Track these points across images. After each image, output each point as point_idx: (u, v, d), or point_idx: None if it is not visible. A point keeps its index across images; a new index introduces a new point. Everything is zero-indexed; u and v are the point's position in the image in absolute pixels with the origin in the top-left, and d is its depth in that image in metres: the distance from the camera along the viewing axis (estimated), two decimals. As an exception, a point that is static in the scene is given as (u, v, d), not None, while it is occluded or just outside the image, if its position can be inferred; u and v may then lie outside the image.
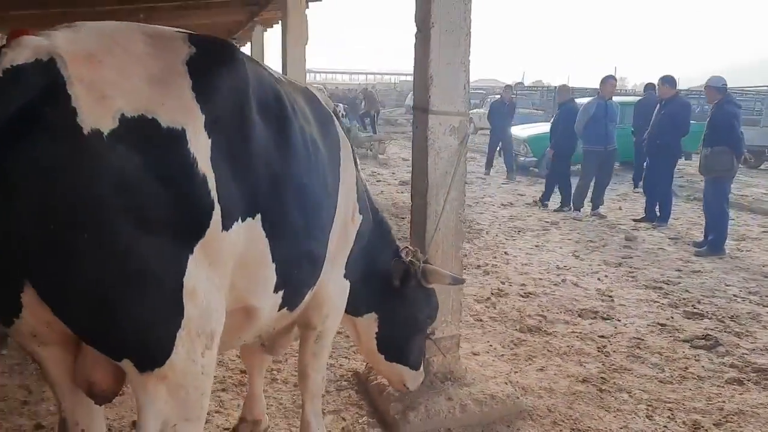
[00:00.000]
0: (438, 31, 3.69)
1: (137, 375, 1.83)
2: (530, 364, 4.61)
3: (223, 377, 4.31)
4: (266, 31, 13.88)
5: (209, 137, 1.82)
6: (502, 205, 11.11)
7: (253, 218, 2.03)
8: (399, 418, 3.74)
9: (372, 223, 3.27)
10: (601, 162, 9.92)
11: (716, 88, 7.85)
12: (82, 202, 1.57)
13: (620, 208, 10.91)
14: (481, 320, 5.42)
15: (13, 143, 1.52)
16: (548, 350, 4.83)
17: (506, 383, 4.15)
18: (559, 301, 5.93)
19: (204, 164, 1.79)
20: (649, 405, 4.04)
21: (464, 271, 6.69)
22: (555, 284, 6.47)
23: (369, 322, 3.41)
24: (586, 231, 9.14)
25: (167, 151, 1.72)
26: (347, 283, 3.07)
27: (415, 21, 3.83)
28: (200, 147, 1.78)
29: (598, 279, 6.72)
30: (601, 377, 4.39)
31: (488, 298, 5.96)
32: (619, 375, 4.44)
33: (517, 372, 4.45)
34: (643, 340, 5.04)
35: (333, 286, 2.93)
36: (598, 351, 4.83)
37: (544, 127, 14.87)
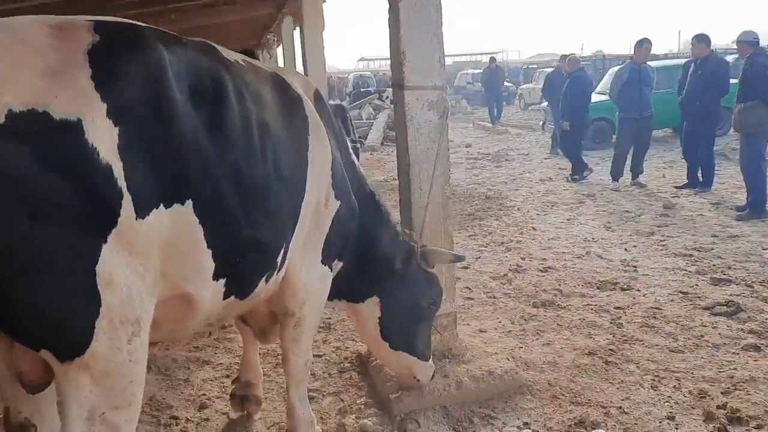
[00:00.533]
0: (407, 5, 3.63)
1: (58, 365, 1.84)
2: (537, 338, 4.52)
3: (230, 364, 4.40)
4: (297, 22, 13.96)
5: (115, 125, 1.80)
6: (541, 180, 10.87)
7: (182, 204, 2.02)
8: (393, 398, 3.74)
9: (363, 207, 3.26)
10: (638, 129, 9.56)
11: (748, 42, 7.45)
12: None
13: (664, 176, 10.49)
14: (494, 297, 5.35)
15: None
16: (558, 324, 4.72)
17: (507, 359, 4.08)
18: (578, 274, 5.77)
19: (108, 153, 1.78)
20: (655, 375, 3.90)
21: (485, 248, 6.68)
22: (578, 257, 6.30)
23: (371, 307, 3.42)
24: (622, 201, 8.85)
25: (61, 142, 1.71)
26: (326, 269, 3.06)
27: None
28: (102, 136, 1.77)
29: (625, 250, 6.51)
30: (609, 349, 4.26)
31: (505, 275, 5.86)
32: (629, 346, 4.30)
33: (522, 347, 4.38)
34: (660, 309, 4.86)
35: (307, 272, 2.92)
36: (611, 323, 4.69)
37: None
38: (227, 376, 4.23)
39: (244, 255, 2.36)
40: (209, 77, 2.20)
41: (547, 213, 8.39)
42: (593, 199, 9.08)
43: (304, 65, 8.81)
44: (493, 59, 24.03)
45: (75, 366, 1.83)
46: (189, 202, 2.04)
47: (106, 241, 1.79)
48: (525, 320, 4.85)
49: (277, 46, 15.94)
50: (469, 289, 5.55)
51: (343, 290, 3.40)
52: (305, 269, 2.91)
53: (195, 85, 2.12)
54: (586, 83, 11.33)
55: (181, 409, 3.84)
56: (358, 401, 3.86)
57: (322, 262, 3.01)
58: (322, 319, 5.05)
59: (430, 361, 3.62)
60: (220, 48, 2.48)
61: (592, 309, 4.96)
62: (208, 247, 2.14)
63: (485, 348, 4.24)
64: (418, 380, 3.60)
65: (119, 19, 2.09)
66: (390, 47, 3.82)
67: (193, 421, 3.71)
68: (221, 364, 4.43)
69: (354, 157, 3.44)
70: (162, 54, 2.00)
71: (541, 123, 16.12)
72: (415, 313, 3.47)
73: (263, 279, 2.54)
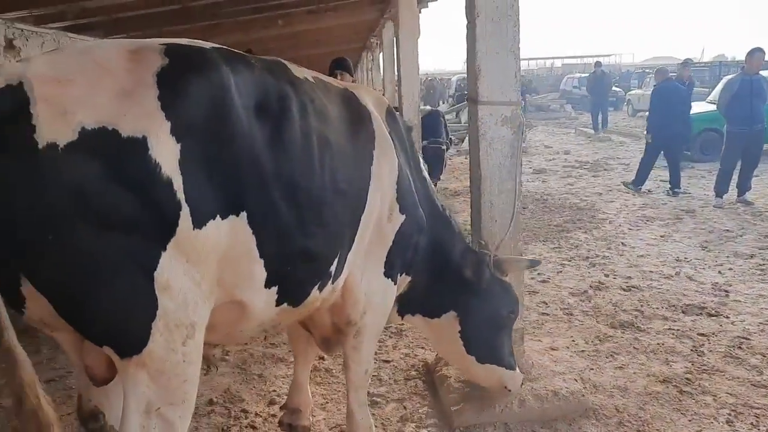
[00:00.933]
0: (483, 21, 3.64)
1: (119, 360, 2.00)
2: (610, 361, 4.39)
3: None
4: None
5: (177, 142, 1.93)
6: (640, 193, 10.44)
7: (237, 215, 2.12)
8: (454, 410, 3.77)
9: (433, 223, 3.30)
10: (747, 144, 9.00)
11: None
12: (39, 208, 1.75)
13: (775, 194, 9.83)
14: (571, 314, 5.23)
15: None
16: (634, 347, 4.57)
17: (575, 380, 3.99)
18: (663, 296, 5.53)
19: (169, 168, 1.91)
20: (733, 410, 3.70)
21: (568, 262, 6.54)
22: (666, 277, 6.03)
23: (449, 322, 3.42)
24: (724, 220, 8.37)
25: (128, 157, 1.85)
26: (388, 282, 3.11)
27: (465, 12, 3.80)
28: (165, 152, 1.90)
29: (719, 272, 6.17)
30: (686, 378, 4.08)
31: (585, 292, 5.71)
32: (708, 376, 4.10)
33: (592, 369, 4.27)
34: (748, 339, 4.59)
35: (368, 283, 2.99)
36: (692, 350, 4.48)
37: (700, 107, 13.71)
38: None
39: (295, 264, 2.44)
40: (272, 95, 2.31)
41: (641, 228, 8.07)
42: (692, 216, 8.64)
43: (398, 70, 8.92)
44: (598, 63, 22.97)
45: (133, 363, 1.98)
46: (243, 214, 2.14)
47: (165, 249, 1.92)
48: (600, 341, 4.72)
49: (380, 52, 16.18)
50: (546, 304, 5.46)
51: (418, 305, 3.45)
52: (366, 280, 2.98)
53: (257, 103, 2.23)
54: (678, 94, 10.83)
55: (252, 404, 4.03)
56: (420, 410, 3.91)
57: (385, 274, 3.06)
58: (394, 325, 5.16)
59: (517, 369, 3.58)
60: (291, 66, 2.61)
61: (673, 334, 4.76)
62: (261, 256, 2.24)
63: (553, 367, 4.17)
64: (509, 390, 3.59)
65: (190, 43, 2.25)
66: (467, 62, 3.85)
67: (261, 416, 3.89)
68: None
69: (426, 173, 3.46)
70: (226, 75, 2.13)
71: (646, 131, 15.45)
72: (496, 324, 3.45)
73: (316, 288, 2.61)
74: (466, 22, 3.80)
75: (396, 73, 9.16)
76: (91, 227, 1.81)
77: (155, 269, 1.91)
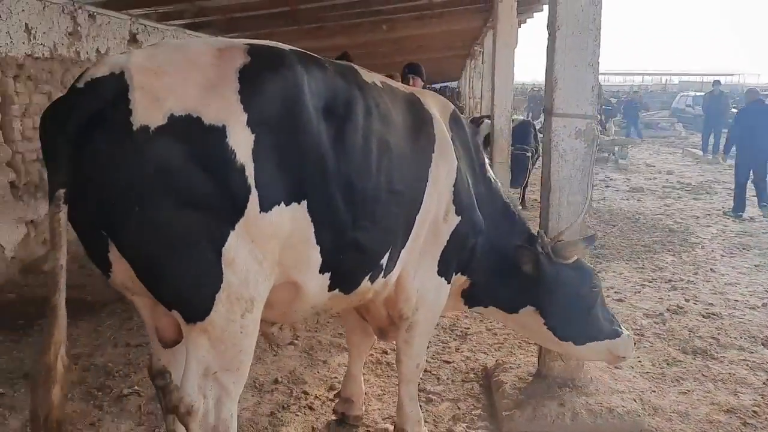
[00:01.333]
0: (564, 34, 3.70)
1: (185, 325, 2.23)
2: (675, 386, 4.29)
3: (366, 354, 4.75)
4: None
5: (252, 133, 2.15)
6: (741, 219, 9.93)
7: (299, 204, 2.32)
8: (505, 415, 3.83)
9: (495, 222, 3.37)
10: None
11: None
12: (130, 182, 1.99)
13: None
14: (642, 335, 5.12)
15: (89, 138, 1.99)
16: (703, 375, 4.44)
17: (634, 400, 3.94)
18: (744, 326, 5.31)
19: (244, 155, 2.12)
20: (798, 449, 3.56)
21: (649, 283, 6.41)
22: (750, 308, 5.77)
23: (531, 316, 3.46)
24: (833, 253, 7.85)
25: (209, 143, 2.07)
26: (442, 281, 3.22)
27: (546, 24, 3.86)
28: (240, 141, 2.11)
29: (813, 308, 5.83)
30: (753, 411, 3.94)
31: (660, 314, 5.56)
32: (777, 412, 3.94)
33: (654, 392, 4.20)
34: (830, 378, 4.35)
35: (422, 280, 3.12)
36: (764, 383, 4.30)
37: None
38: (360, 364, 4.58)
39: (348, 254, 2.60)
40: (340, 98, 2.50)
41: (734, 256, 7.70)
42: (796, 247, 8.15)
43: (492, 79, 8.97)
44: (717, 82, 21.58)
45: (197, 329, 2.21)
46: (304, 203, 2.34)
47: (234, 229, 2.14)
48: (668, 365, 4.61)
49: (482, 60, 16.21)
50: (617, 323, 5.37)
51: (489, 300, 3.54)
52: (420, 277, 3.11)
53: (326, 103, 2.42)
54: (765, 115, 10.78)
55: (313, 387, 4.26)
56: (473, 412, 3.99)
57: (439, 273, 3.17)
58: (460, 328, 5.25)
59: (623, 331, 3.54)
60: (361, 71, 2.81)
61: (747, 365, 4.58)
62: (317, 243, 2.43)
63: (613, 384, 4.13)
64: (623, 357, 3.59)
65: (271, 44, 2.47)
66: (545, 73, 3.89)
67: (320, 399, 4.11)
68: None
69: (491, 174, 3.51)
70: (300, 75, 2.34)
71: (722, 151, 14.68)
72: (580, 305, 3.42)
73: (367, 278, 2.79)
74: (547, 33, 3.86)
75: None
76: (172, 203, 2.03)
77: (224, 245, 2.12)
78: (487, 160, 3.57)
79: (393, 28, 12.79)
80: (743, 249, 8.02)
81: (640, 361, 4.65)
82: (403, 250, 2.92)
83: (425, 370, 4.50)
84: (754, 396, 4.14)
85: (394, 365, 4.53)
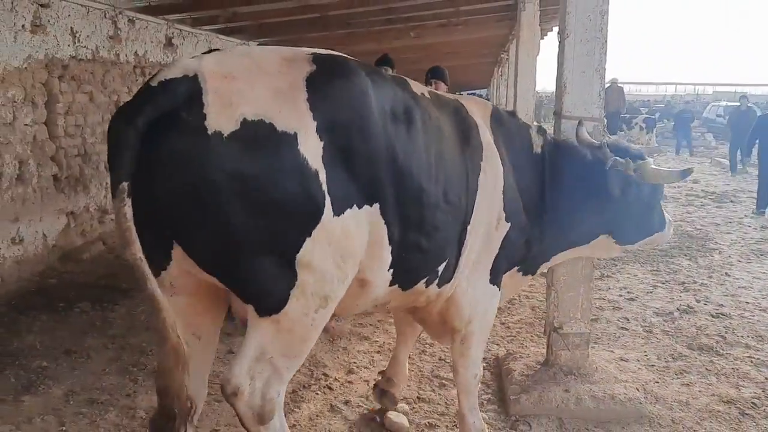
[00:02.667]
0: (572, 42, 3.93)
1: (256, 318, 2.26)
2: (678, 378, 4.48)
3: (384, 342, 5.02)
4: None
5: (321, 140, 2.18)
6: (762, 227, 9.99)
7: (371, 206, 2.36)
8: (512, 399, 4.05)
9: (555, 185, 3.33)
10: None
11: None
12: (204, 185, 2.01)
13: None
14: (650, 332, 5.30)
15: (161, 138, 2.00)
16: (707, 369, 4.61)
17: (637, 389, 4.13)
18: (753, 326, 5.45)
19: (315, 162, 2.14)
20: (793, 438, 3.73)
21: (662, 285, 6.58)
22: (761, 309, 5.89)
23: (602, 242, 3.58)
24: None
25: (280, 149, 2.08)
26: (494, 289, 3.24)
27: (558, 32, 4.11)
28: (311, 147, 2.14)
29: (822, 311, 5.94)
30: (752, 402, 4.11)
31: (670, 313, 5.73)
32: (776, 404, 4.10)
33: (658, 382, 4.38)
34: (831, 376, 4.50)
35: (474, 291, 3.12)
36: (767, 378, 4.46)
37: None
38: (378, 352, 4.86)
39: (411, 254, 2.64)
40: (401, 105, 2.55)
41: (752, 261, 7.80)
42: (817, 254, 8.21)
43: (515, 87, 9.19)
44: (744, 97, 20.19)
45: (269, 320, 2.26)
46: (376, 205, 2.38)
47: (310, 234, 2.17)
48: (673, 359, 4.79)
49: (509, 68, 16.41)
50: (627, 320, 5.56)
51: (565, 245, 3.55)
52: (472, 289, 3.11)
53: (391, 111, 2.47)
54: None
55: (333, 370, 4.54)
56: (483, 396, 4.21)
57: (490, 281, 3.19)
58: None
59: (666, 217, 3.77)
60: (411, 81, 2.86)
61: (751, 361, 4.74)
62: (389, 243, 2.49)
63: (618, 375, 4.33)
64: (666, 240, 3.95)
65: (334, 53, 2.52)
66: (556, 78, 4.13)
67: (339, 381, 4.38)
68: (377, 341, 5.07)
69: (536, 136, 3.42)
70: (365, 83, 2.39)
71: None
72: (648, 215, 3.62)
73: (424, 281, 2.82)
74: (558, 41, 4.11)
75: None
76: (245, 208, 2.05)
77: (299, 251, 2.17)
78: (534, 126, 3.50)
79: (420, 35, 13.07)
80: (761, 255, 8.10)
81: (646, 355, 4.84)
82: (459, 262, 2.96)
83: (439, 358, 4.76)
84: (755, 389, 4.30)
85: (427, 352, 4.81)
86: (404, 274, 2.70)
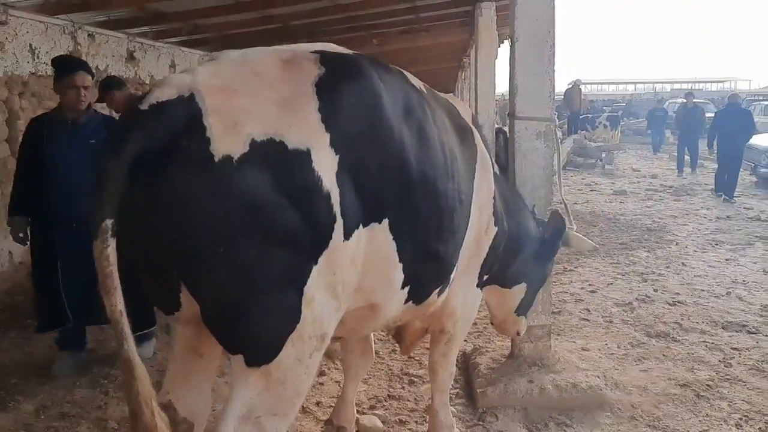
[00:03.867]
0: (522, 45, 4.09)
1: (244, 368, 1.92)
2: (637, 364, 4.66)
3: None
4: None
5: (336, 153, 1.93)
6: (717, 218, 10.35)
7: (379, 223, 2.11)
8: (479, 392, 4.19)
9: (512, 207, 3.43)
10: None
11: None
12: (214, 220, 1.73)
13: None
14: (610, 322, 5.50)
15: (159, 171, 1.72)
16: (664, 355, 4.81)
17: (597, 377, 4.30)
18: (707, 312, 5.69)
19: (329, 181, 1.89)
20: (744, 415, 3.92)
21: (622, 276, 6.78)
22: (715, 296, 6.16)
23: (519, 290, 3.66)
24: (800, 248, 8.24)
25: (294, 170, 1.82)
26: (479, 291, 3.26)
27: (509, 36, 4.27)
28: (325, 164, 1.89)
29: (774, 295, 6.22)
30: (707, 384, 4.31)
31: (629, 303, 5.95)
32: (729, 385, 4.31)
33: (617, 369, 4.56)
34: (780, 356, 4.73)
35: (465, 294, 3.11)
36: (720, 361, 4.68)
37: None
38: (349, 353, 4.93)
39: (425, 265, 2.42)
40: (410, 102, 2.32)
41: (707, 251, 8.10)
42: (766, 242, 8.53)
43: (475, 89, 9.38)
44: (690, 94, 18.54)
45: (259, 372, 1.93)
46: (385, 221, 2.13)
47: (317, 263, 1.89)
48: (632, 346, 4.98)
49: (470, 72, 16.65)
50: (589, 311, 5.75)
51: (497, 278, 3.52)
52: (462, 291, 3.07)
53: (402, 110, 2.24)
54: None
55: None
56: (451, 391, 4.27)
57: (477, 285, 3.20)
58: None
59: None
60: (408, 74, 2.58)
61: (706, 346, 4.96)
62: (400, 260, 2.24)
63: (579, 364, 4.49)
64: (520, 334, 3.98)
65: (339, 50, 2.25)
66: (508, 80, 4.29)
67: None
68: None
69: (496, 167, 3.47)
70: (378, 85, 2.14)
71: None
72: (541, 284, 3.86)
73: (437, 291, 2.67)
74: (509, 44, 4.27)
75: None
76: (259, 240, 1.79)
77: (306, 284, 1.89)
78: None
79: (384, 42, 13.23)
80: (716, 245, 8.42)
81: (606, 344, 5.03)
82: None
83: (409, 357, 4.87)
84: (709, 372, 4.50)
85: (380, 353, 4.90)
86: (419, 288, 2.51)
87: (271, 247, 1.80)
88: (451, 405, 4.08)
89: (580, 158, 18.13)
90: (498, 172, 3.39)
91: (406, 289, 2.38)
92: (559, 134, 19.55)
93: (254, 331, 1.88)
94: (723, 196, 11.98)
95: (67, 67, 4.53)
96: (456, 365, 4.62)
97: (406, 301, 2.48)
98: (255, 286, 1.81)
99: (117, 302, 1.66)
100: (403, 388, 4.42)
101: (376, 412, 4.07)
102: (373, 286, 2.22)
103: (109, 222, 1.64)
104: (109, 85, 5.74)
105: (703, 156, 16.71)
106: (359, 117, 2.04)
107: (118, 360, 1.74)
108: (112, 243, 1.65)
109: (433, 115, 2.47)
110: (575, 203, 11.75)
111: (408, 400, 4.25)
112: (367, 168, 2.04)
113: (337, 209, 1.91)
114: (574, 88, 24.10)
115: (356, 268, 2.07)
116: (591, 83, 67.77)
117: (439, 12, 11.19)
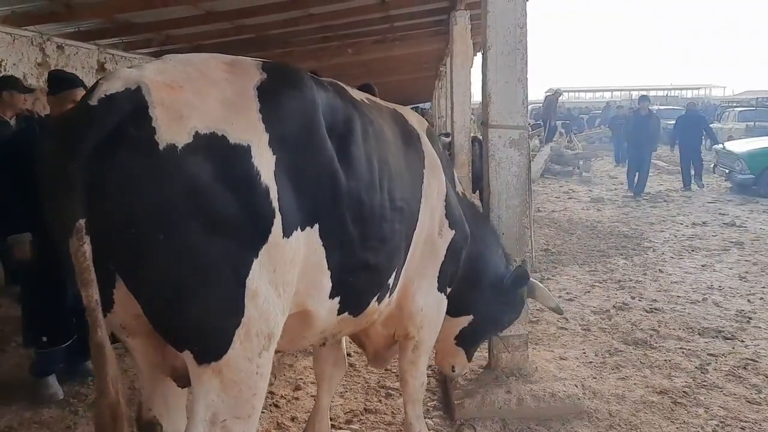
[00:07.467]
0: (494, 54, 4.07)
1: (195, 367, 1.98)
2: (614, 372, 4.64)
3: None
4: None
5: (273, 153, 2.03)
6: (693, 224, 10.43)
7: (312, 227, 2.20)
8: (457, 404, 4.13)
9: (474, 235, 3.43)
10: None
11: None
12: (158, 206, 1.79)
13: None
14: (588, 330, 5.49)
15: (106, 158, 1.77)
16: (641, 362, 4.80)
17: (575, 386, 4.27)
18: (683, 319, 5.70)
19: (267, 177, 1.99)
20: (721, 422, 3.91)
21: (599, 284, 6.78)
22: (691, 302, 6.17)
23: (460, 321, 3.66)
24: (774, 253, 8.32)
25: (234, 163, 1.92)
26: (441, 296, 3.25)
27: (481, 45, 4.25)
28: (264, 161, 1.99)
29: (748, 300, 6.24)
30: (683, 391, 4.30)
31: (607, 311, 5.94)
32: (706, 391, 4.30)
33: (595, 378, 4.53)
34: (756, 361, 4.73)
35: (423, 298, 3.13)
36: (696, 368, 4.67)
37: (764, 142, 13.61)
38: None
39: (358, 276, 2.50)
40: (344, 114, 2.44)
41: (683, 257, 8.14)
42: (741, 248, 8.60)
43: (451, 98, 9.38)
44: (644, 98, 15.21)
45: (210, 369, 1.98)
46: (316, 226, 2.22)
47: (257, 256, 1.96)
48: (610, 354, 4.96)
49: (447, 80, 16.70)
50: (566, 319, 5.72)
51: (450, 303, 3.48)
52: (421, 295, 3.12)
53: (333, 122, 2.35)
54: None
55: (280, 387, 4.53)
56: (429, 403, 4.28)
57: (438, 289, 3.20)
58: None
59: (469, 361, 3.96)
60: (347, 87, 2.73)
61: (683, 352, 4.95)
62: (328, 268, 2.32)
63: (557, 373, 4.46)
64: (454, 371, 3.94)
65: (280, 62, 2.43)
66: (481, 89, 4.27)
67: (285, 398, 4.38)
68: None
69: (460, 186, 3.59)
70: (315, 93, 2.29)
71: (712, 165, 15.32)
72: (492, 327, 3.84)
73: (375, 299, 2.71)
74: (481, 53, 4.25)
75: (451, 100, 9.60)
76: (199, 228, 1.85)
77: (248, 276, 1.95)
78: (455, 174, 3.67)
79: (359, 51, 13.23)
80: (692, 251, 8.47)
81: (584, 352, 5.00)
82: (403, 268, 2.91)
83: (385, 369, 4.81)
84: (686, 379, 4.49)
85: (357, 366, 4.85)
86: (353, 300, 2.58)
87: (211, 235, 1.86)
88: (428, 417, 4.07)
89: (558, 166, 18.23)
90: (461, 184, 3.52)
91: (337, 299, 2.46)
92: (536, 142, 19.80)
93: (196, 321, 1.93)
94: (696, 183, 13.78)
95: (66, 82, 4.36)
96: (433, 377, 4.66)
97: (341, 312, 2.55)
98: (195, 273, 1.86)
99: (94, 293, 1.78)
100: (379, 401, 4.36)
101: (352, 426, 4.01)
102: (306, 290, 2.29)
103: (83, 222, 1.74)
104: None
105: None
106: (296, 122, 2.16)
107: (91, 344, 1.82)
108: (87, 239, 1.75)
109: (369, 128, 2.58)
110: (553, 211, 11.81)
111: (385, 414, 4.18)
112: (301, 171, 2.14)
113: (276, 204, 2.00)
114: (548, 97, 24.28)
115: (295, 270, 2.15)
116: (568, 91, 68.50)
117: (414, 21, 11.22)
